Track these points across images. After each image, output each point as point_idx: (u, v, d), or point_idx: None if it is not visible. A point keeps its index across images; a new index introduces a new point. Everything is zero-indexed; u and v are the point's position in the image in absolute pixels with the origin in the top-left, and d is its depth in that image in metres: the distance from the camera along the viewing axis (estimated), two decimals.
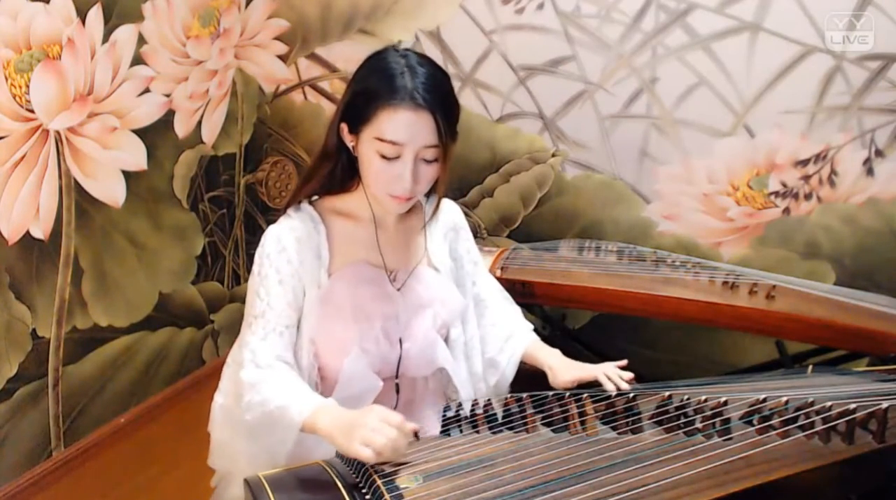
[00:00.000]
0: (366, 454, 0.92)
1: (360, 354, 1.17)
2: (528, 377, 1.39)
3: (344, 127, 1.14)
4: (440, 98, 1.08)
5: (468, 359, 1.32)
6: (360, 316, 1.17)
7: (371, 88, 1.09)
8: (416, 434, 0.99)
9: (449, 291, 1.27)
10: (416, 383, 1.26)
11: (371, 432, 0.94)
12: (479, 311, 1.37)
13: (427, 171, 1.11)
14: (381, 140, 1.07)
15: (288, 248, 1.15)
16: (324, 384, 1.21)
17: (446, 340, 1.28)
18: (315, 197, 1.23)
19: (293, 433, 1.03)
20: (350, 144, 1.15)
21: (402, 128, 1.06)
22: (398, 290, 1.22)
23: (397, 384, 1.23)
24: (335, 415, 1.01)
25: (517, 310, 1.45)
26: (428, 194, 1.26)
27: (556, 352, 1.32)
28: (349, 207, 1.22)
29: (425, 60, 1.11)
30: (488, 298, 1.39)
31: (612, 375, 1.21)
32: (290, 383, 1.09)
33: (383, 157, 1.08)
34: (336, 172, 1.18)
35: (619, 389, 1.18)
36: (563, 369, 1.25)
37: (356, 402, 1.15)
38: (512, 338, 1.36)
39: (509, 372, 1.35)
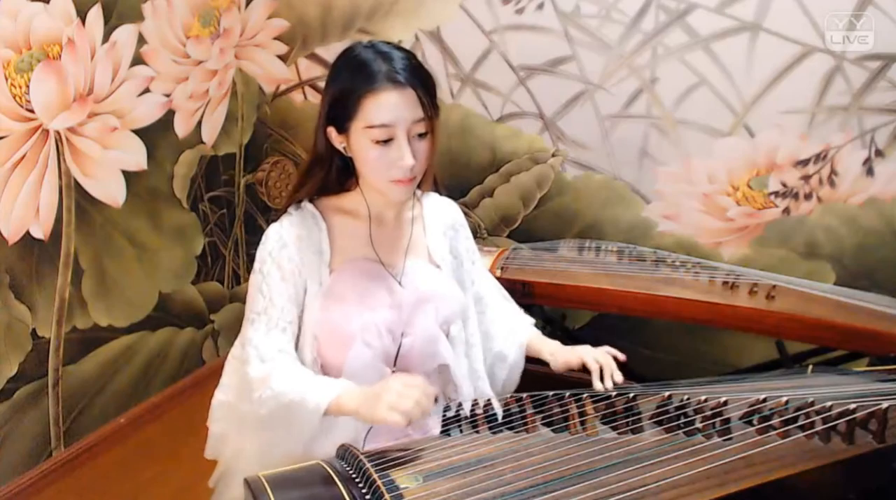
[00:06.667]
0: (394, 419, 0.97)
1: (363, 347, 1.17)
2: (529, 377, 1.40)
3: (331, 131, 1.16)
4: (416, 73, 1.12)
5: (469, 357, 1.32)
6: (364, 309, 1.18)
7: (349, 83, 1.12)
8: (435, 399, 1.02)
9: (450, 287, 1.28)
10: None
11: (397, 397, 0.99)
12: (479, 308, 1.39)
13: (421, 147, 1.14)
14: (372, 127, 1.10)
15: (289, 244, 1.17)
16: None
17: (447, 336, 1.28)
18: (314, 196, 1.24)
19: (315, 420, 1.06)
20: (341, 146, 1.17)
21: (388, 109, 1.10)
22: (399, 284, 1.23)
23: None
24: (357, 392, 1.05)
25: (516, 308, 1.48)
26: (421, 185, 1.26)
27: (556, 342, 1.37)
28: (349, 205, 1.24)
29: (391, 45, 1.15)
30: (487, 296, 1.42)
31: (605, 368, 1.22)
32: (298, 374, 1.12)
33: (377, 143, 1.11)
34: (331, 176, 1.21)
35: (605, 388, 1.19)
36: (561, 353, 1.31)
37: None
38: (515, 331, 1.41)
39: (518, 360, 1.39)
